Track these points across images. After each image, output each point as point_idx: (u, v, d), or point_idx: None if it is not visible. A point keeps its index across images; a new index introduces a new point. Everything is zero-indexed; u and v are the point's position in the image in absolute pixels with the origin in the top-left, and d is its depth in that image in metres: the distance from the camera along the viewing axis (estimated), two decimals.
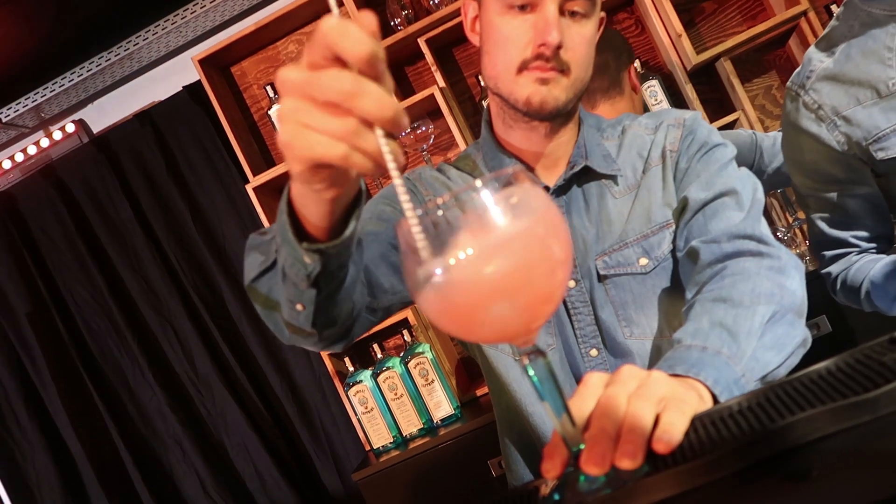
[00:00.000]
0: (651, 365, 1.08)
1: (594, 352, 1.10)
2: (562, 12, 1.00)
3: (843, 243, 1.38)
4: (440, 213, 0.51)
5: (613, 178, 1.12)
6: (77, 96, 2.98)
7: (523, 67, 1.02)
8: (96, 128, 3.00)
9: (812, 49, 1.30)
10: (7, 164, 2.94)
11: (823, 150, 1.28)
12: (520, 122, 1.09)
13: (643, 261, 1.08)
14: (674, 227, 1.08)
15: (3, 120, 2.94)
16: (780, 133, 1.42)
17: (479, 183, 0.53)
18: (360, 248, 0.84)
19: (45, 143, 2.93)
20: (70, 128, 2.92)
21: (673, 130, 1.13)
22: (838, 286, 1.42)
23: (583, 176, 1.13)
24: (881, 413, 0.52)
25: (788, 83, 1.32)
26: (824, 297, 2.05)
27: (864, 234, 1.36)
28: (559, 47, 0.99)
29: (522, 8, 1.00)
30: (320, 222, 0.69)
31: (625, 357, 1.08)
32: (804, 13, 2.39)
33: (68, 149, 2.91)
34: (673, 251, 1.09)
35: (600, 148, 1.14)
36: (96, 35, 2.78)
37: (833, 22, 1.29)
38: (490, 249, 0.50)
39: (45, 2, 2.44)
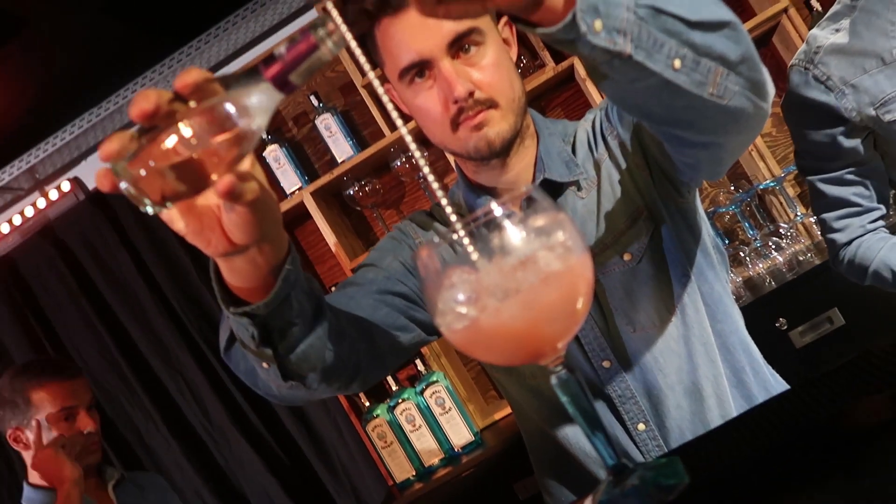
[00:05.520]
0: (665, 362, 1.08)
1: (606, 363, 1.09)
2: (456, 56, 0.99)
3: (845, 202, 1.43)
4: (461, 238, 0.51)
5: (577, 182, 1.11)
6: (70, 154, 2.99)
7: (455, 126, 1.02)
8: (92, 184, 3.00)
9: (815, 30, 1.42)
10: (6, 229, 2.93)
11: (831, 118, 1.37)
12: (477, 164, 1.10)
13: (627, 256, 1.08)
14: (645, 212, 1.09)
15: None
16: None
17: (494, 206, 0.53)
18: (320, 303, 0.83)
19: (41, 203, 2.92)
20: (66, 186, 2.91)
21: (599, 115, 1.14)
22: (844, 261, 1.46)
23: (547, 189, 1.11)
24: None
25: (793, 62, 1.43)
26: (836, 289, 2.05)
27: (865, 192, 1.42)
28: (471, 93, 0.99)
29: (420, 74, 1.01)
30: (245, 284, 0.71)
31: (635, 357, 1.08)
32: (785, 10, 2.40)
33: (65, 207, 2.90)
34: (652, 239, 1.08)
35: (562, 156, 1.12)
36: (86, 91, 2.79)
37: (836, 6, 1.41)
38: (518, 275, 0.50)
39: (32, 63, 2.46)
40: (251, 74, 0.55)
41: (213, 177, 0.56)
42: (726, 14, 0.77)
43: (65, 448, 1.79)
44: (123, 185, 0.55)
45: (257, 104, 0.55)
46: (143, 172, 0.54)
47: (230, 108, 0.54)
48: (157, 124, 0.54)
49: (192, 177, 0.55)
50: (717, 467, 0.56)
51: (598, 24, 0.67)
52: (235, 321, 0.74)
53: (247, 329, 0.73)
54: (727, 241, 2.56)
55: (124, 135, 0.55)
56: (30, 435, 1.86)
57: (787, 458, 0.51)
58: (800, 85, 1.40)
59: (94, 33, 2.47)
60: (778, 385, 1.17)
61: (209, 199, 0.62)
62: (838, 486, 0.45)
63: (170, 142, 0.54)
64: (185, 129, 0.54)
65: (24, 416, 1.86)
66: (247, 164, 0.61)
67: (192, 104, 0.55)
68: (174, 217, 0.63)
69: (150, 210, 0.56)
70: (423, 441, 2.46)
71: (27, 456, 1.89)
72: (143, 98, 0.53)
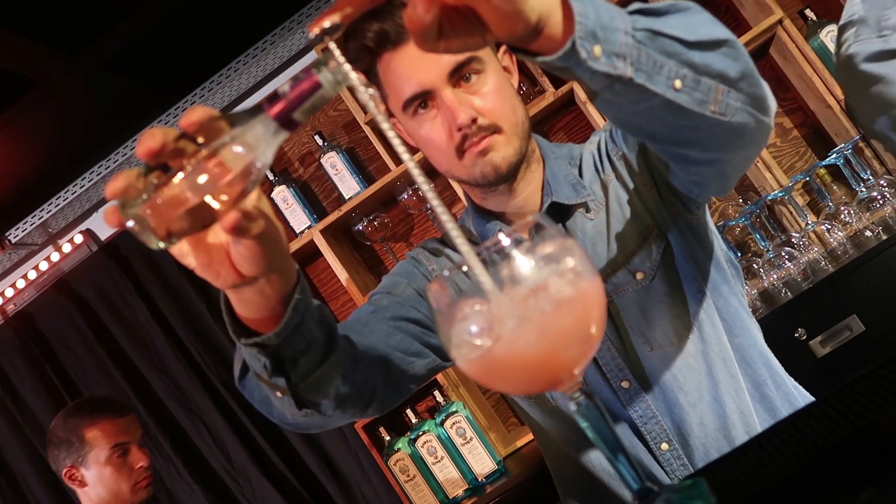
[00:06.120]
0: (684, 380, 1.07)
1: (625, 384, 1.08)
2: (458, 85, 1.01)
3: None
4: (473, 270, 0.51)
5: (585, 204, 1.12)
6: (81, 207, 3.02)
7: (460, 153, 1.02)
8: (104, 235, 3.03)
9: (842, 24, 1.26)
10: (21, 284, 2.96)
11: None
12: (485, 190, 1.10)
13: (639, 275, 1.08)
14: (655, 230, 1.08)
15: (13, 241, 2.98)
16: None
17: (503, 236, 0.53)
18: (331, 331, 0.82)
19: (55, 257, 2.95)
20: (78, 239, 2.95)
21: (604, 136, 1.15)
22: None
23: (556, 212, 1.12)
24: None
25: (846, 21, 1.25)
26: (853, 296, 2.03)
27: None
28: (474, 120, 0.99)
29: (423, 105, 1.02)
30: (255, 315, 0.71)
31: (654, 376, 1.07)
32: (780, 21, 2.42)
33: (79, 259, 2.94)
34: (664, 256, 1.08)
35: (569, 178, 1.13)
36: (94, 144, 2.83)
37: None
38: (531, 304, 0.50)
39: (40, 121, 2.50)
40: (255, 112, 0.55)
41: (219, 212, 0.56)
42: (723, 32, 0.77)
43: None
44: (130, 223, 0.55)
45: (262, 141, 0.55)
46: (148, 210, 0.54)
47: (235, 145, 0.55)
48: (163, 162, 0.55)
49: (197, 213, 0.56)
50: (743, 486, 0.55)
51: (597, 49, 0.67)
52: (247, 352, 0.74)
53: (259, 359, 0.73)
54: (739, 254, 2.54)
55: (130, 172, 0.56)
56: (85, 472, 1.89)
57: (815, 474, 0.50)
58: (854, 44, 1.21)
59: (100, 88, 2.51)
60: (801, 397, 1.15)
61: (217, 233, 0.63)
62: (869, 500, 0.44)
63: (175, 180, 0.54)
64: (191, 168, 0.54)
65: (78, 454, 1.89)
66: (253, 198, 0.61)
67: (200, 141, 0.55)
68: (184, 252, 0.63)
69: (155, 246, 0.56)
70: (446, 472, 2.44)
71: (82, 494, 1.91)
72: (150, 136, 0.54)
